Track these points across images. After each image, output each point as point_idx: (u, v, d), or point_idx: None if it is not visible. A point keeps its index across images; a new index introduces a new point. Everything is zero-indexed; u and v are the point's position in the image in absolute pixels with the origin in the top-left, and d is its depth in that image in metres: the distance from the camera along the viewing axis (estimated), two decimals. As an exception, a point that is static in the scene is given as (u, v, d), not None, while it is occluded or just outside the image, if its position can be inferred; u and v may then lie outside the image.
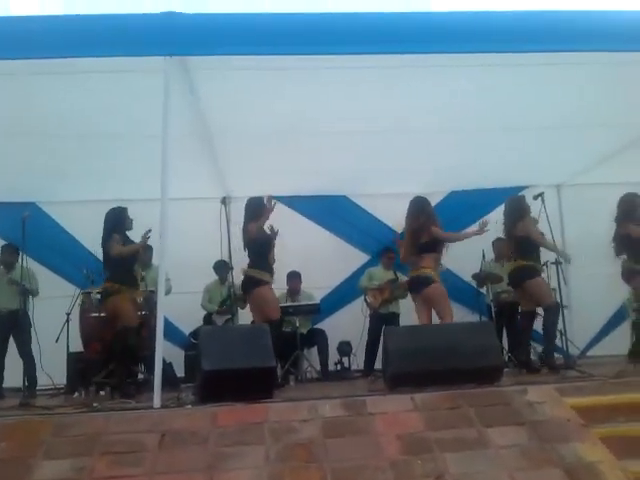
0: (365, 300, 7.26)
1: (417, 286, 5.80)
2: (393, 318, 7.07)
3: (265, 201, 5.90)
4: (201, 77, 4.85)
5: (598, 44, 4.50)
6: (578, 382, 4.32)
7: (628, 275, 5.95)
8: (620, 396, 3.85)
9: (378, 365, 6.14)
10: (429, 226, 5.79)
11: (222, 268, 7.02)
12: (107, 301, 5.67)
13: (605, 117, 5.77)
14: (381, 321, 6.96)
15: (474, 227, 6.31)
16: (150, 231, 5.44)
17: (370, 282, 7.30)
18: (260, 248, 5.91)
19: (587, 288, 6.96)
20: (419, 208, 5.97)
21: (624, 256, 6.05)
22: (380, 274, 7.35)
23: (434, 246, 5.81)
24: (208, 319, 7.16)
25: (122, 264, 5.58)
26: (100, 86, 4.93)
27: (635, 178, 6.83)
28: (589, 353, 7.36)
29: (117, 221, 5.70)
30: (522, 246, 6.01)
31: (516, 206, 6.20)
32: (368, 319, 7.19)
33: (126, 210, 5.79)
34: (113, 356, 5.70)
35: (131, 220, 5.80)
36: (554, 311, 5.81)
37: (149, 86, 4.57)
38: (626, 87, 5.19)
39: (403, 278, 6.99)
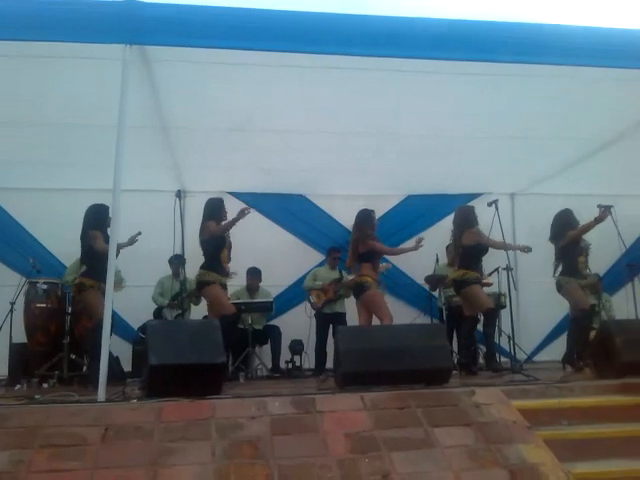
0: (308, 300, 7.27)
1: (356, 292, 6.18)
2: (339, 318, 7.05)
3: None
4: (160, 68, 4.77)
5: (559, 58, 4.62)
6: (524, 385, 4.38)
7: (560, 286, 6.15)
8: (564, 400, 3.96)
9: (330, 365, 6.19)
10: (366, 239, 6.10)
11: (176, 262, 6.94)
12: (82, 295, 5.58)
13: (561, 130, 5.95)
14: (327, 321, 7.02)
15: (411, 243, 6.54)
16: (140, 233, 5.51)
17: (314, 282, 7.31)
18: (213, 249, 5.89)
19: (536, 295, 7.11)
20: (361, 220, 6.26)
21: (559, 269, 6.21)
22: (325, 274, 7.37)
23: (371, 256, 6.12)
24: (158, 313, 7.02)
25: (102, 261, 5.44)
26: (55, 72, 4.80)
27: (588, 190, 7.05)
28: (535, 358, 7.53)
29: (101, 218, 5.56)
30: (465, 255, 6.19)
31: (464, 215, 6.34)
32: (314, 319, 7.20)
33: (108, 208, 5.65)
34: (84, 350, 5.67)
35: (110, 218, 5.69)
36: (491, 317, 6.07)
37: (106, 75, 4.48)
38: (583, 102, 5.33)
39: (348, 278, 7.07)
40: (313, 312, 7.22)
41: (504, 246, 6.14)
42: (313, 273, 7.42)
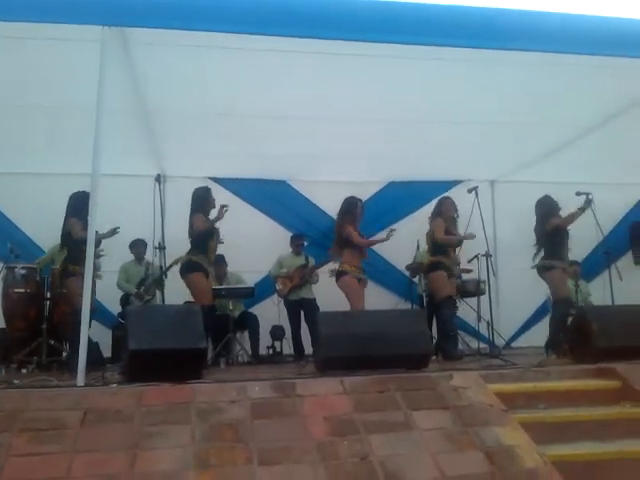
0: (275, 288, 7.29)
1: (336, 278, 6.23)
2: (308, 303, 7.06)
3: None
4: (140, 52, 4.69)
5: (541, 45, 4.62)
6: (501, 370, 4.45)
7: (544, 270, 6.19)
8: (540, 384, 4.03)
9: (309, 351, 6.23)
10: (346, 226, 6.17)
11: (139, 247, 6.93)
12: (68, 281, 5.52)
13: (541, 117, 5.96)
14: (296, 307, 7.07)
15: (382, 234, 6.64)
16: (118, 228, 5.46)
17: (279, 269, 7.33)
18: (202, 239, 5.95)
19: (515, 282, 7.19)
20: (343, 207, 6.38)
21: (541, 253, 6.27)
22: (290, 260, 7.39)
23: (350, 243, 6.19)
24: (126, 300, 6.94)
25: (80, 247, 5.40)
26: (32, 54, 4.69)
27: (567, 178, 7.12)
28: (514, 344, 7.62)
29: (80, 205, 5.45)
30: (431, 243, 6.47)
31: (436, 206, 6.60)
32: (281, 307, 7.24)
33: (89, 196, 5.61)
34: (63, 336, 5.65)
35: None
36: (446, 305, 6.25)
37: (84, 57, 4.38)
38: (566, 88, 5.35)
39: (313, 262, 7.20)
40: (280, 300, 7.25)
41: (458, 239, 6.45)
42: (278, 260, 7.43)
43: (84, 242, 5.27)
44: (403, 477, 2.92)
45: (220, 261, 7.20)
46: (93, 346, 5.60)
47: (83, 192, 5.47)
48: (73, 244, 5.41)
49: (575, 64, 4.88)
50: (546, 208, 6.27)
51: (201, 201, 6.05)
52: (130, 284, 7.03)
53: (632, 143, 6.48)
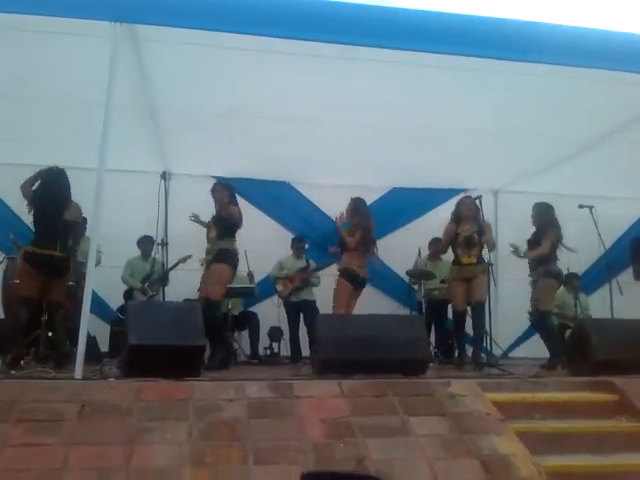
0: (275, 289, 7.29)
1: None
2: (308, 305, 7.08)
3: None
4: (150, 48, 4.70)
5: (547, 57, 4.64)
6: (499, 379, 4.46)
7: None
8: (537, 394, 4.03)
9: (306, 353, 6.22)
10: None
11: (146, 243, 6.91)
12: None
13: (548, 128, 5.96)
14: (296, 309, 7.07)
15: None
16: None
17: (280, 271, 7.33)
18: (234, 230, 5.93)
19: (515, 292, 7.17)
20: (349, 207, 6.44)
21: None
22: (291, 263, 7.40)
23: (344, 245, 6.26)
24: (129, 295, 6.93)
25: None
26: (42, 48, 4.70)
27: (570, 190, 7.13)
28: (511, 354, 7.61)
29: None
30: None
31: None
32: (282, 308, 7.24)
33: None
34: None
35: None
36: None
37: (95, 52, 4.39)
38: (571, 101, 5.35)
39: (314, 266, 7.20)
40: (281, 301, 7.25)
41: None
42: (279, 262, 7.43)
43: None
44: (398, 481, 2.93)
45: None
46: (90, 340, 5.58)
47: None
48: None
49: (581, 77, 4.89)
50: (547, 219, 6.16)
51: (232, 194, 6.03)
52: (134, 279, 7.03)
53: (636, 158, 6.48)
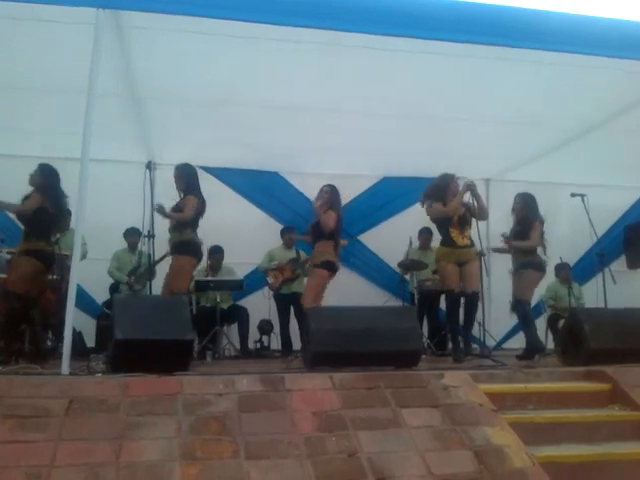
0: (266, 281, 7.21)
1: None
2: (298, 298, 6.81)
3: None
4: (134, 35, 4.62)
5: (541, 44, 4.59)
6: (492, 370, 4.43)
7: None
8: (530, 385, 4.02)
9: (296, 346, 6.18)
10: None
11: (133, 235, 6.82)
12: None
13: (540, 117, 5.95)
14: (286, 301, 6.99)
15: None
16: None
17: (270, 263, 7.24)
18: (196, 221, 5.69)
19: (507, 282, 7.17)
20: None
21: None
22: (281, 253, 7.33)
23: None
24: (115, 288, 6.85)
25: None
26: (23, 35, 4.60)
27: (562, 179, 7.11)
28: (505, 345, 7.60)
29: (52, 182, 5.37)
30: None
31: None
32: (273, 301, 7.17)
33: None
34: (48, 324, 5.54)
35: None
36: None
37: (79, 40, 4.29)
38: (563, 89, 5.33)
39: (305, 256, 7.07)
40: (271, 293, 7.17)
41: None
42: (269, 253, 7.35)
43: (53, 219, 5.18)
44: (391, 474, 2.90)
45: (217, 252, 7.13)
46: (76, 335, 5.52)
47: (53, 168, 5.35)
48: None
49: (573, 65, 4.87)
50: (533, 210, 6.11)
51: (195, 180, 5.78)
52: (121, 272, 6.94)
53: (627, 146, 6.47)
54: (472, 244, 5.80)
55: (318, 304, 5.70)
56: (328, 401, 3.37)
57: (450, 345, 6.32)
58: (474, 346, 6.16)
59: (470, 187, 5.72)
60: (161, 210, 5.47)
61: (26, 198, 5.21)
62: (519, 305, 5.95)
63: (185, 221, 5.53)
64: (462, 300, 5.75)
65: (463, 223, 5.76)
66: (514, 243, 6.03)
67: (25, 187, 5.29)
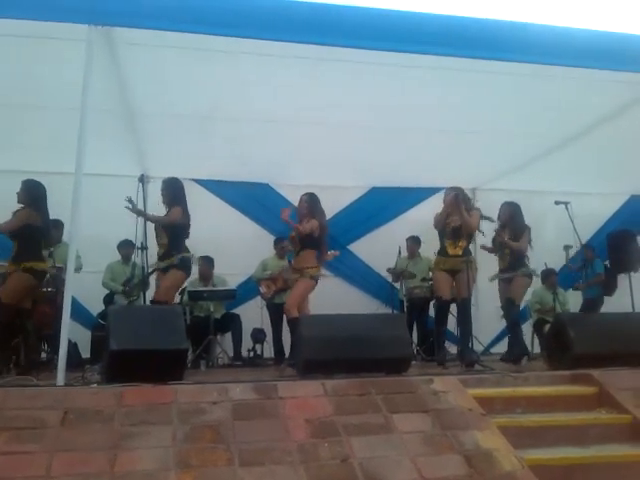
0: (259, 291, 7.25)
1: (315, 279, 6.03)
2: None
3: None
4: (126, 52, 4.66)
5: (520, 56, 4.69)
6: (480, 375, 4.50)
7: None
8: (518, 389, 4.09)
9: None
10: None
11: (126, 247, 6.87)
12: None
13: (524, 126, 6.05)
14: (279, 311, 6.95)
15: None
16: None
17: (263, 272, 7.27)
18: (182, 232, 5.75)
19: (494, 288, 7.26)
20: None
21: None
22: (274, 263, 7.36)
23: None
24: (110, 299, 6.89)
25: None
26: (15, 52, 4.65)
27: (547, 187, 7.22)
28: (492, 350, 7.67)
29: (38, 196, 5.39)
30: None
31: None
32: (265, 310, 7.19)
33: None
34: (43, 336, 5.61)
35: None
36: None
37: (69, 56, 4.38)
38: (547, 99, 5.41)
39: None
40: (264, 303, 7.20)
41: None
42: (262, 263, 7.38)
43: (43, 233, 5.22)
44: (383, 479, 2.95)
45: (208, 262, 7.18)
46: (71, 347, 5.53)
47: (37, 182, 5.39)
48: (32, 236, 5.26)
49: (557, 76, 4.96)
50: (520, 219, 6.29)
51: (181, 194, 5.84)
52: (115, 283, 6.98)
53: (611, 154, 6.59)
54: (465, 254, 5.92)
55: (303, 312, 5.77)
56: (320, 408, 3.42)
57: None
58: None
59: (455, 200, 5.85)
60: (132, 204, 5.44)
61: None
62: (512, 306, 6.14)
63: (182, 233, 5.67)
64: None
65: (456, 234, 5.92)
66: (507, 240, 6.19)
67: (15, 203, 5.35)
